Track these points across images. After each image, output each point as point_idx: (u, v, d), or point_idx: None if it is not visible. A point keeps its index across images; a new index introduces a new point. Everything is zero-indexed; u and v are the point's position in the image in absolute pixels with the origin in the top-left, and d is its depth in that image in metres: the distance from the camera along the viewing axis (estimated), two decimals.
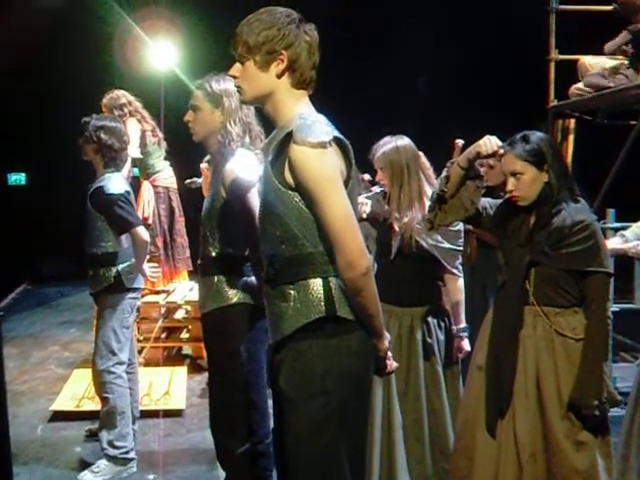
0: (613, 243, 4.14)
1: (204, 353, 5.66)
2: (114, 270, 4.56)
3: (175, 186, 7.32)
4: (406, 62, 9.77)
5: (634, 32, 7.17)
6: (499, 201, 3.54)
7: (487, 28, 9.36)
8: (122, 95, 6.75)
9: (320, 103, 2.69)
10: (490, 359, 3.39)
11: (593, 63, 7.53)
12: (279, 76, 2.59)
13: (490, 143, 3.26)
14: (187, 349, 7.36)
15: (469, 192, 3.42)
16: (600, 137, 8.09)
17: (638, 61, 7.11)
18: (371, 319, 2.57)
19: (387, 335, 2.72)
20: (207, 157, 4.28)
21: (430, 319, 4.00)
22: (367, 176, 4.94)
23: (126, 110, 6.67)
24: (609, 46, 7.28)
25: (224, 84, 3.58)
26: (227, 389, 3.61)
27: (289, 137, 2.48)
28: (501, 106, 9.14)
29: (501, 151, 3.28)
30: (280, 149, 2.53)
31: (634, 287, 5.86)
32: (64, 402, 5.85)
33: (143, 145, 6.93)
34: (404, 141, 4.05)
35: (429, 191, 3.89)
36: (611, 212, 5.74)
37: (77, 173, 5.36)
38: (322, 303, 2.52)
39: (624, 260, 4.45)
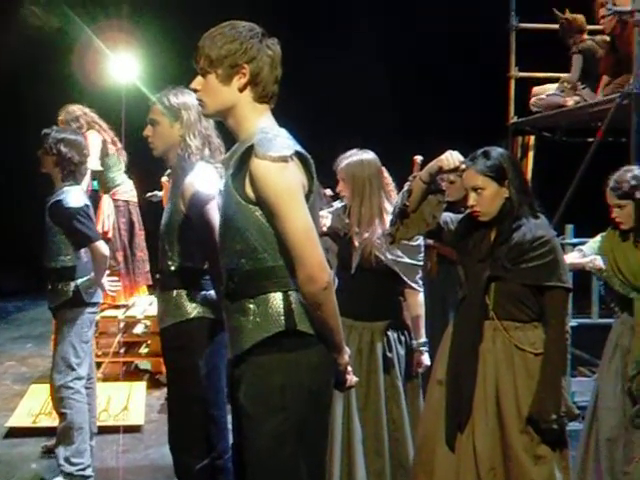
0: (571, 258, 4.19)
1: (163, 368, 5.61)
2: (73, 284, 4.51)
3: (135, 199, 7.27)
4: (368, 76, 9.83)
5: (582, 50, 7.29)
6: (460, 216, 3.56)
7: (449, 44, 9.46)
8: (77, 108, 6.70)
9: (283, 117, 2.69)
10: (450, 373, 3.40)
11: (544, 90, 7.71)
12: (241, 90, 2.58)
13: (452, 158, 3.29)
14: (146, 364, 7.29)
15: (431, 207, 3.43)
16: (559, 154, 8.19)
17: (593, 79, 7.23)
18: (331, 333, 2.57)
19: (347, 349, 2.72)
20: (168, 171, 4.25)
21: (390, 333, 4.01)
22: (329, 191, 4.95)
23: (82, 121, 6.62)
24: (572, 78, 7.38)
25: (182, 97, 3.56)
26: (186, 404, 3.57)
27: (250, 151, 2.47)
28: (462, 122, 9.23)
29: (463, 166, 3.31)
30: (241, 163, 2.52)
31: (592, 302, 5.92)
32: (20, 418, 5.76)
33: (104, 155, 6.87)
34: (369, 155, 4.07)
35: (389, 207, 3.90)
36: (570, 228, 5.80)
37: (35, 186, 5.30)
38: (282, 317, 2.51)
39: (582, 275, 4.50)
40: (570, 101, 7.32)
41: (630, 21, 6.40)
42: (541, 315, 3.32)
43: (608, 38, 7.09)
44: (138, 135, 3.71)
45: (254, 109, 2.60)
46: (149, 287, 7.51)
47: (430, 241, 4.26)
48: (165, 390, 4.00)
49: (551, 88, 7.68)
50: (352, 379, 2.83)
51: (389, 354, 3.98)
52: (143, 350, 7.18)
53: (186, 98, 3.53)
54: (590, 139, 7.54)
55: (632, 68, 6.28)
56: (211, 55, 2.56)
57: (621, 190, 3.97)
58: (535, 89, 7.86)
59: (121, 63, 8.96)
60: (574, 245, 5.11)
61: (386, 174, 4.23)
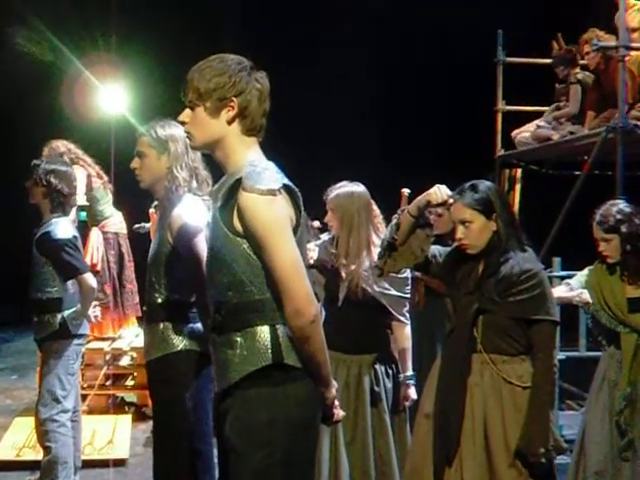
0: (559, 291, 4.20)
1: (149, 401, 5.56)
2: (59, 316, 4.48)
3: (125, 231, 7.26)
4: (357, 109, 9.88)
5: (580, 81, 7.37)
6: (448, 249, 3.57)
7: (437, 78, 9.53)
8: (61, 144, 6.68)
9: (272, 149, 2.70)
10: (438, 406, 3.39)
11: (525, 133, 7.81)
12: (229, 123, 2.59)
13: (440, 192, 3.31)
14: (132, 397, 7.23)
15: (419, 240, 3.45)
16: (546, 187, 8.25)
17: (581, 113, 7.31)
18: (318, 367, 2.55)
19: (334, 383, 2.70)
20: (155, 202, 4.25)
21: (378, 367, 4.01)
22: (317, 223, 4.95)
23: (66, 158, 6.58)
24: (573, 110, 7.45)
25: (169, 129, 3.57)
26: (172, 438, 3.54)
27: (238, 184, 2.48)
28: (450, 155, 9.28)
29: (451, 200, 3.33)
30: (229, 195, 2.52)
31: (580, 335, 5.93)
32: (4, 451, 5.70)
33: (89, 190, 6.86)
34: (359, 188, 4.09)
35: (377, 240, 3.91)
36: (557, 261, 5.82)
37: (23, 217, 5.28)
38: (269, 351, 2.49)
39: (570, 308, 4.51)
40: (556, 134, 7.39)
41: (614, 57, 6.49)
42: (529, 348, 3.32)
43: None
44: (127, 167, 3.70)
45: (242, 142, 2.61)
46: (138, 319, 7.48)
47: (418, 274, 4.26)
48: (151, 423, 3.97)
49: (529, 129, 7.79)
50: (339, 413, 2.80)
51: (376, 388, 3.97)
52: (129, 383, 7.13)
53: (173, 130, 3.53)
54: (577, 172, 7.60)
55: (617, 103, 6.35)
56: (200, 88, 2.57)
57: (607, 224, 3.99)
58: (514, 132, 7.98)
59: (110, 95, 8.98)
60: (561, 278, 5.12)
61: (375, 207, 4.24)
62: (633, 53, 6.50)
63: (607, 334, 4.14)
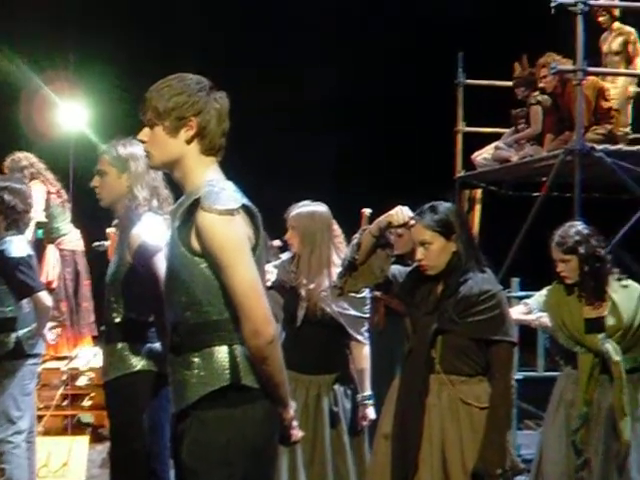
0: (517, 312, 4.23)
1: (106, 422, 5.49)
2: (14, 335, 4.42)
3: (82, 249, 7.18)
4: (318, 129, 9.91)
5: (540, 102, 7.49)
6: (408, 269, 3.58)
7: (396, 100, 9.59)
8: (24, 157, 6.62)
9: (231, 168, 2.69)
10: (396, 427, 3.39)
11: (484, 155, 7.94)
12: (188, 142, 2.58)
13: (402, 213, 3.32)
14: (89, 417, 7.12)
15: (379, 260, 3.45)
16: (505, 208, 8.33)
17: (541, 136, 7.41)
18: (276, 388, 2.54)
19: (292, 404, 2.69)
20: (115, 221, 4.22)
21: (337, 387, 4.00)
22: (277, 242, 4.95)
23: (27, 172, 6.53)
24: (535, 131, 7.57)
25: (130, 148, 3.55)
26: (129, 460, 3.50)
27: (197, 203, 2.47)
28: (410, 176, 9.34)
29: (412, 222, 3.34)
30: (187, 215, 2.51)
31: (538, 355, 5.98)
32: None
33: (48, 206, 6.79)
34: (321, 208, 4.11)
35: (337, 260, 3.92)
36: (516, 281, 5.88)
37: None
38: (227, 371, 2.48)
39: (528, 328, 4.54)
40: (515, 156, 7.48)
41: (571, 80, 6.59)
42: (487, 369, 3.33)
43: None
44: (86, 184, 3.67)
45: (201, 162, 2.59)
46: (94, 338, 7.38)
47: (378, 293, 4.27)
48: (108, 444, 3.92)
49: (489, 150, 7.90)
50: (297, 434, 2.79)
51: (335, 408, 3.96)
52: (86, 403, 7.02)
53: (134, 149, 3.51)
54: (536, 194, 7.69)
55: (574, 126, 6.45)
56: (158, 107, 2.56)
57: (566, 245, 4.03)
58: (474, 154, 8.07)
59: (70, 112, 8.90)
60: (520, 298, 5.16)
61: (335, 226, 4.25)
62: (589, 77, 6.61)
63: (564, 354, 4.18)
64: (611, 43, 7.46)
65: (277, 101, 9.84)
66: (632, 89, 7.46)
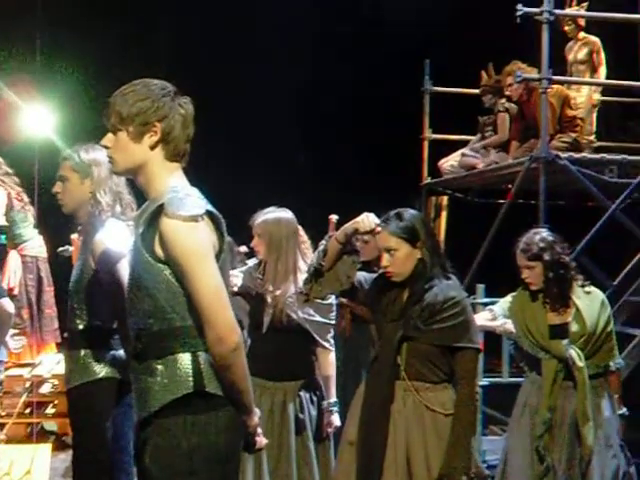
0: (482, 318, 4.25)
1: (70, 429, 5.43)
2: None
3: (45, 255, 7.09)
4: (284, 135, 9.91)
5: (507, 110, 7.56)
6: (374, 276, 3.59)
7: (364, 106, 9.61)
8: None
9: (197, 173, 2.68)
10: (361, 434, 3.39)
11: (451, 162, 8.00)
12: (152, 148, 2.56)
13: (368, 220, 3.33)
14: (52, 425, 7.05)
15: (345, 266, 3.45)
16: (471, 215, 8.37)
17: (506, 143, 7.48)
18: (240, 395, 2.53)
19: (257, 411, 2.68)
20: (79, 227, 4.18)
21: (303, 394, 3.99)
22: (243, 248, 4.93)
23: None
24: (502, 138, 7.64)
25: (93, 153, 3.52)
26: (92, 468, 3.47)
27: (160, 209, 2.45)
28: (377, 182, 9.37)
29: (378, 229, 3.34)
30: (151, 221, 2.49)
31: (503, 361, 6.01)
32: None
33: (9, 210, 6.70)
34: (287, 214, 4.10)
35: (304, 266, 3.91)
36: (481, 288, 5.90)
37: None
38: (190, 378, 2.46)
39: (493, 335, 4.57)
40: (481, 163, 7.54)
41: (536, 89, 6.66)
42: (452, 376, 3.35)
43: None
44: (50, 189, 3.63)
45: (165, 167, 2.57)
46: (57, 345, 7.30)
47: (344, 300, 4.27)
48: (71, 452, 3.87)
49: (455, 158, 7.95)
50: (262, 441, 2.78)
51: (301, 415, 3.95)
52: (50, 410, 6.94)
53: (97, 154, 3.48)
54: (501, 201, 7.75)
55: (539, 134, 6.52)
56: (122, 112, 2.53)
57: (530, 252, 4.06)
58: (441, 162, 8.13)
59: (34, 117, 8.82)
60: (485, 305, 5.19)
61: (302, 232, 4.25)
62: (554, 86, 6.69)
63: (529, 360, 4.20)
64: (577, 52, 7.56)
65: (246, 106, 9.82)
66: (596, 97, 7.56)
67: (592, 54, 7.52)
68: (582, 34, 7.59)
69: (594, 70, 7.55)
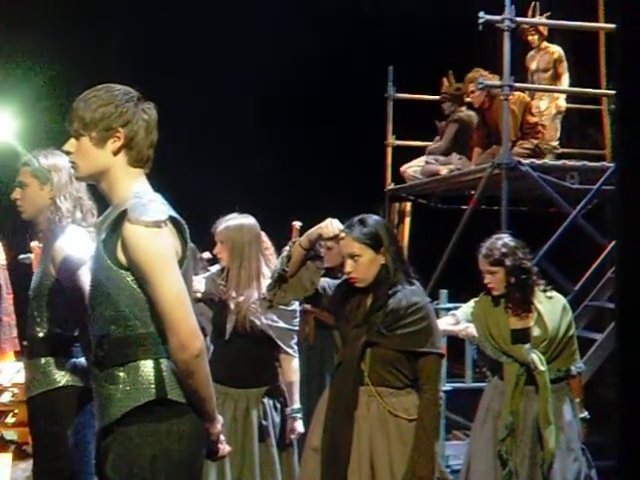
0: (445, 323, 4.27)
1: (30, 438, 5.36)
2: None
3: (3, 262, 7.02)
4: (247, 141, 9.88)
5: (458, 119, 7.63)
6: (338, 282, 3.59)
7: (327, 113, 9.63)
8: None
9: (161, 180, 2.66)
10: (325, 440, 3.38)
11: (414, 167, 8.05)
12: (115, 153, 2.54)
13: (332, 226, 3.32)
14: (12, 434, 6.96)
15: (309, 272, 3.45)
16: (435, 220, 8.42)
17: (468, 149, 7.53)
18: (203, 402, 2.52)
19: (220, 418, 2.67)
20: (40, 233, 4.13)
21: (266, 400, 3.98)
22: (207, 254, 4.91)
23: None
24: (441, 147, 7.72)
25: (52, 159, 3.49)
26: (53, 477, 3.43)
27: (123, 215, 2.44)
28: (341, 189, 9.37)
29: (342, 234, 3.34)
30: (113, 227, 2.47)
31: (466, 366, 6.04)
32: None
33: None
34: (249, 220, 4.09)
35: (267, 272, 3.91)
36: (444, 293, 5.93)
37: None
38: (152, 386, 2.45)
39: (456, 340, 4.59)
40: (444, 170, 7.59)
41: (498, 95, 6.73)
42: (415, 381, 3.36)
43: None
44: (9, 196, 3.59)
45: (128, 173, 2.56)
46: (16, 353, 7.22)
47: (308, 306, 4.27)
48: (32, 462, 3.82)
49: (418, 164, 8.00)
50: (225, 448, 2.77)
51: (264, 422, 3.94)
52: (10, 420, 6.85)
53: (57, 160, 3.45)
54: (464, 207, 7.80)
55: (501, 140, 6.57)
56: (85, 117, 2.52)
57: (492, 257, 4.09)
58: (403, 167, 8.17)
59: None
60: (448, 310, 5.21)
61: (265, 238, 4.24)
62: (515, 93, 6.76)
63: (491, 365, 4.23)
64: (539, 61, 7.64)
65: (207, 111, 9.79)
66: (562, 104, 7.66)
67: (555, 63, 7.62)
68: (545, 43, 7.68)
69: (557, 78, 7.64)
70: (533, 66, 7.72)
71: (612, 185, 6.19)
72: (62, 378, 3.41)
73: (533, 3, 7.29)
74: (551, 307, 4.14)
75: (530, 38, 7.68)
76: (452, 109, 7.75)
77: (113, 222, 2.48)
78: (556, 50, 7.67)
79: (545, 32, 7.65)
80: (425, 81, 8.18)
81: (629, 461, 2.07)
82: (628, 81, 1.78)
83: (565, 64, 7.64)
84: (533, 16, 7.42)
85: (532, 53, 7.77)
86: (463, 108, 7.76)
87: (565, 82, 7.64)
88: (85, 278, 3.22)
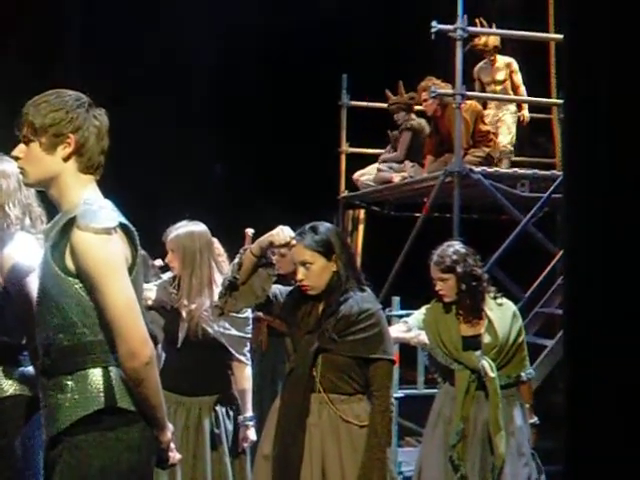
0: (397, 330, 4.29)
1: None
2: None
3: None
4: (200, 148, 9.83)
5: (412, 127, 7.69)
6: (290, 288, 3.59)
7: (280, 120, 9.63)
8: None
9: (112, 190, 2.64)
10: (277, 448, 3.38)
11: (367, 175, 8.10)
12: (65, 160, 2.52)
13: (283, 233, 3.32)
14: None
15: (261, 279, 3.44)
16: (388, 228, 8.45)
17: (421, 156, 7.59)
18: (153, 410, 2.50)
19: (170, 426, 2.65)
20: None
21: (219, 408, 3.97)
22: (159, 261, 4.88)
23: None
24: (399, 156, 7.77)
25: (0, 165, 3.43)
26: None
27: (72, 222, 2.42)
28: (294, 196, 9.37)
29: (293, 242, 3.35)
30: (62, 234, 2.45)
31: (417, 372, 6.07)
32: None
33: None
34: (199, 227, 4.06)
35: (219, 279, 3.89)
36: (396, 300, 5.95)
37: None
38: (101, 394, 2.42)
39: (408, 346, 4.61)
40: (397, 177, 7.64)
41: (451, 103, 6.80)
42: (367, 387, 3.37)
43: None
44: None
45: (78, 180, 2.54)
46: None
47: (260, 313, 4.26)
48: None
49: (371, 171, 8.05)
50: (175, 456, 2.75)
51: (217, 430, 3.92)
52: None
53: (5, 165, 3.39)
54: (417, 214, 7.86)
55: (453, 148, 6.64)
56: (35, 123, 2.49)
57: (444, 264, 4.12)
58: (356, 175, 8.21)
59: None
60: (400, 317, 5.24)
61: (218, 245, 4.23)
62: (467, 101, 6.83)
63: (442, 371, 4.26)
64: (494, 73, 7.73)
65: (162, 119, 9.73)
66: (526, 114, 7.79)
67: (511, 74, 7.72)
68: (499, 56, 7.77)
69: (514, 90, 7.75)
70: (488, 78, 7.80)
71: (562, 193, 6.29)
72: (9, 387, 3.35)
73: (478, 20, 7.32)
74: (501, 314, 4.19)
75: (482, 48, 7.75)
76: (406, 118, 7.81)
77: (62, 229, 2.46)
78: (509, 62, 7.77)
79: (498, 44, 7.73)
80: (378, 89, 8.22)
81: (576, 465, 2.10)
82: (574, 91, 1.82)
83: (519, 75, 7.74)
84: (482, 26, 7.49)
85: (482, 65, 7.85)
86: (413, 116, 7.82)
87: (523, 92, 7.75)
88: (33, 285, 3.16)
